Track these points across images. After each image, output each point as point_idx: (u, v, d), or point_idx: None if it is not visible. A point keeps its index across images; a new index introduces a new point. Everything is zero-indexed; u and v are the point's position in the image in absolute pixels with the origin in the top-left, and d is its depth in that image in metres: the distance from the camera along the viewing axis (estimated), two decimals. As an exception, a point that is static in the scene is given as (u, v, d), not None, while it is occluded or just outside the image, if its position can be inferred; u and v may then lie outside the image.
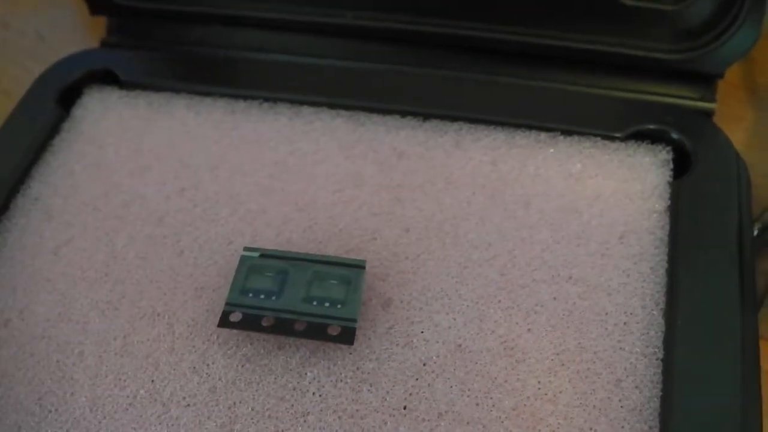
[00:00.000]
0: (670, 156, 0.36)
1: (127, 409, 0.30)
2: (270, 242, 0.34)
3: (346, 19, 0.40)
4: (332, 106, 0.39)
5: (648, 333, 0.31)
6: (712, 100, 0.39)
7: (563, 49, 0.39)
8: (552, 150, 0.36)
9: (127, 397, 0.30)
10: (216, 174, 0.37)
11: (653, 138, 0.37)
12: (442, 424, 0.29)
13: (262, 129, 0.38)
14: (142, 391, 0.30)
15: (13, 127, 0.38)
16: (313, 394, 0.30)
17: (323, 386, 0.30)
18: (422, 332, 0.31)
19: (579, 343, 0.31)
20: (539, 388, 0.30)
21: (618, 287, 0.32)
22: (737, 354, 0.30)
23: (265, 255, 0.32)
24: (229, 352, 0.31)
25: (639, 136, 0.37)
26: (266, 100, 0.39)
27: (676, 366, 0.29)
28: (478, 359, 0.30)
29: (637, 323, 0.31)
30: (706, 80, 0.39)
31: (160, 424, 0.29)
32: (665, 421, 0.28)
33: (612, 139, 0.37)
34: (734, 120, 0.43)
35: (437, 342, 0.31)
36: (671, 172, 0.36)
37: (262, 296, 0.31)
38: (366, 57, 0.41)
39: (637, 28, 0.39)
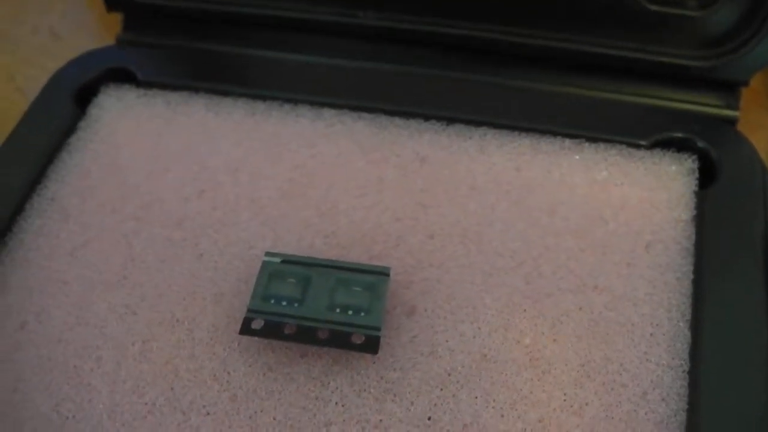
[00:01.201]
0: (695, 165, 0.36)
1: (146, 417, 0.29)
2: (291, 247, 0.34)
3: (370, 19, 0.40)
4: (354, 108, 0.38)
5: (674, 344, 0.31)
6: (737, 107, 0.39)
7: (588, 55, 0.39)
8: (577, 157, 0.36)
9: (146, 404, 0.30)
10: (236, 176, 0.36)
11: (679, 146, 0.36)
12: (467, 436, 0.29)
13: (282, 131, 0.38)
14: (161, 399, 0.30)
15: (29, 126, 0.38)
16: (336, 404, 0.29)
17: (346, 396, 0.30)
18: (447, 341, 0.31)
19: (605, 355, 0.30)
20: (565, 400, 0.29)
21: (644, 297, 0.32)
22: (765, 365, 0.29)
23: (287, 261, 0.32)
24: (250, 359, 0.31)
25: (664, 144, 0.36)
26: (287, 101, 0.39)
27: (702, 378, 0.29)
28: (503, 370, 0.30)
29: (664, 334, 0.31)
30: (730, 87, 0.39)
31: (179, 432, 0.29)
32: (692, 435, 0.28)
33: (637, 146, 0.36)
34: (757, 127, 0.43)
35: (462, 352, 0.31)
36: (697, 181, 0.35)
37: (284, 303, 0.31)
38: (389, 59, 0.40)
39: (661, 34, 0.38)
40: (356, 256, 0.33)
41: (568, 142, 0.36)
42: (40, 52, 0.48)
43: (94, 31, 0.49)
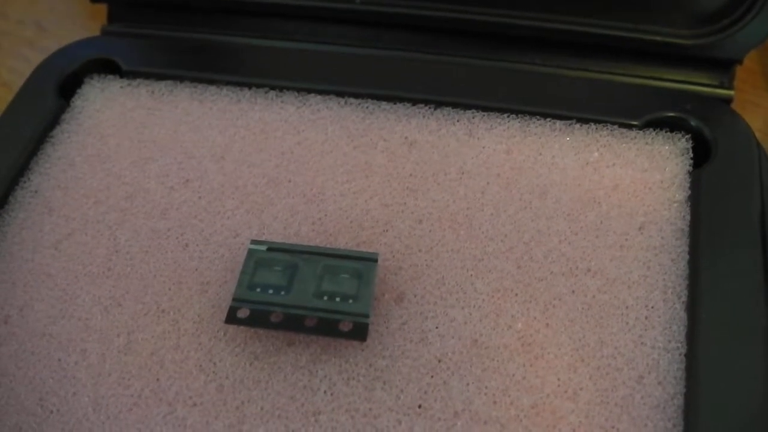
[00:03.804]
0: (689, 144, 0.35)
1: (132, 409, 0.29)
2: (278, 235, 0.33)
3: (355, 4, 0.40)
4: (340, 94, 0.38)
5: (670, 327, 0.30)
6: (731, 86, 0.38)
7: (578, 35, 0.38)
8: (568, 138, 0.35)
9: (132, 396, 0.29)
10: (221, 165, 0.36)
11: (672, 126, 0.36)
12: (459, 423, 0.28)
13: (268, 118, 0.37)
14: (146, 391, 0.29)
15: (12, 118, 0.37)
16: (325, 392, 0.29)
17: (335, 384, 0.29)
18: (437, 327, 0.30)
19: (599, 338, 0.30)
20: (559, 385, 0.29)
21: (638, 280, 0.31)
22: (763, 347, 0.29)
23: (273, 248, 0.31)
24: (236, 349, 0.30)
25: (657, 124, 0.36)
26: (272, 88, 0.38)
27: (699, 361, 0.29)
28: (495, 355, 0.30)
29: (659, 317, 0.30)
30: (724, 66, 0.38)
31: (165, 424, 0.29)
32: (690, 419, 0.28)
33: (629, 127, 0.36)
34: (751, 107, 0.42)
35: (452, 338, 0.30)
36: (691, 161, 0.35)
37: (271, 291, 0.30)
38: (375, 43, 0.40)
39: (654, 12, 0.38)
40: (344, 242, 0.33)
41: (558, 123, 0.36)
42: (26, 44, 0.48)
43: (81, 23, 0.49)
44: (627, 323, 0.30)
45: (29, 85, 0.39)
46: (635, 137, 0.35)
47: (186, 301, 0.32)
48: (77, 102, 0.39)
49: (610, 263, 0.32)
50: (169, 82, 0.39)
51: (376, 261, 0.31)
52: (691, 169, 0.34)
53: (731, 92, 0.38)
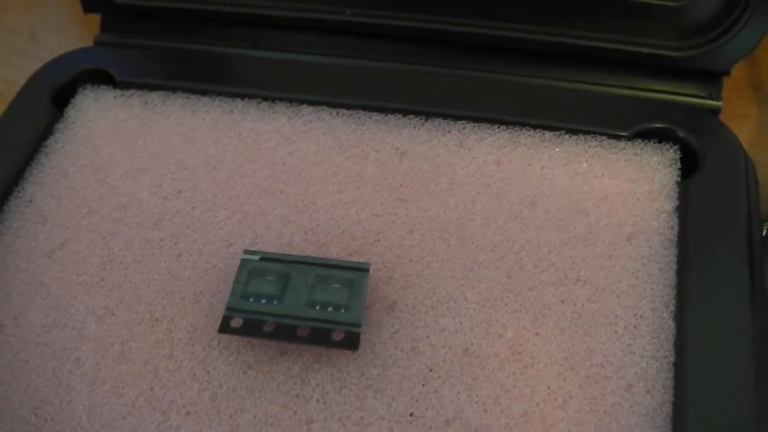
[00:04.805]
0: (677, 155, 0.35)
1: (126, 418, 0.29)
2: (270, 245, 0.33)
3: (346, 15, 0.40)
4: (332, 105, 0.38)
5: (658, 336, 0.30)
6: (718, 98, 0.38)
7: (568, 47, 0.38)
8: (557, 149, 0.36)
9: (126, 405, 0.29)
10: (214, 175, 0.36)
11: (660, 137, 0.36)
12: (450, 431, 0.28)
13: (260, 129, 0.37)
14: (140, 399, 0.30)
15: (5, 128, 0.38)
16: (317, 401, 0.29)
17: (327, 393, 0.29)
18: (428, 337, 0.31)
19: (588, 347, 0.30)
20: (549, 394, 0.29)
21: (627, 289, 0.32)
22: (750, 356, 0.29)
23: (266, 258, 0.32)
24: (230, 358, 0.30)
25: (645, 135, 0.36)
26: (265, 99, 0.38)
27: (687, 369, 0.29)
28: (485, 364, 0.30)
29: (647, 326, 0.31)
30: (712, 78, 0.38)
31: (159, 432, 0.29)
32: (677, 427, 0.28)
33: (618, 138, 0.36)
34: (739, 118, 0.43)
35: (443, 347, 0.30)
36: (679, 172, 0.35)
37: (264, 301, 0.30)
38: (366, 55, 0.40)
39: (642, 24, 0.38)
40: (336, 252, 0.33)
41: (548, 134, 0.36)
42: (19, 53, 0.48)
43: (74, 33, 0.49)
44: (616, 332, 0.30)
45: (23, 95, 0.39)
46: (624, 148, 0.36)
47: (179, 311, 0.32)
48: (71, 112, 0.39)
49: (599, 273, 0.32)
50: (162, 92, 0.39)
51: (367, 271, 0.31)
52: (679, 179, 0.35)
53: (719, 103, 0.38)
